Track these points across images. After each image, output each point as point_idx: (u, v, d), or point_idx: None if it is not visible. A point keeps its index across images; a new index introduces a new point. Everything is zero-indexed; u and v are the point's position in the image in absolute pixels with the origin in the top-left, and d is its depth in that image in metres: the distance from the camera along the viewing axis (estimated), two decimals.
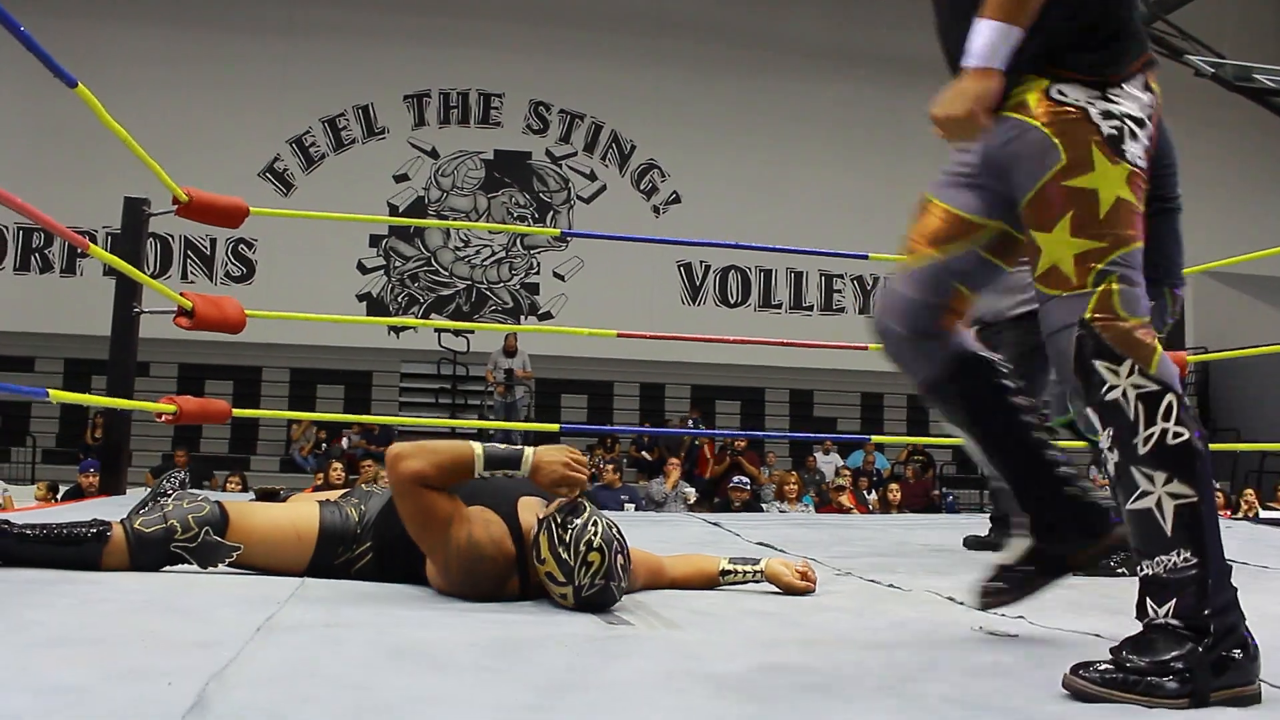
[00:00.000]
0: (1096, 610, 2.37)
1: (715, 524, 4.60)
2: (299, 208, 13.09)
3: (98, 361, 9.91)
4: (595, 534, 2.25)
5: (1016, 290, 3.68)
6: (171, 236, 13.98)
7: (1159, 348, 1.71)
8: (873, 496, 11.54)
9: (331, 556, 2.54)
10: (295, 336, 13.23)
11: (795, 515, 8.54)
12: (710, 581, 2.67)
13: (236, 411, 5.00)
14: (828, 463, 13.05)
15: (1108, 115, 1.75)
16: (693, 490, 10.35)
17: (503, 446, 2.39)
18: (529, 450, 2.37)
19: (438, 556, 2.34)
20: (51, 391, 2.95)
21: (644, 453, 13.29)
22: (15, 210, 3.12)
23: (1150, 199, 1.90)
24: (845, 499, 10.23)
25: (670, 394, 15.04)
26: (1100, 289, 1.71)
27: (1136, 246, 1.74)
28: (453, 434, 11.33)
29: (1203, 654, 1.58)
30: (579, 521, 2.27)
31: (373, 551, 2.54)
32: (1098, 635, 2.04)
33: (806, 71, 15.21)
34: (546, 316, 14.87)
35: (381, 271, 14.67)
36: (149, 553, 2.43)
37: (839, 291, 15.56)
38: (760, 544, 3.85)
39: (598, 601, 2.24)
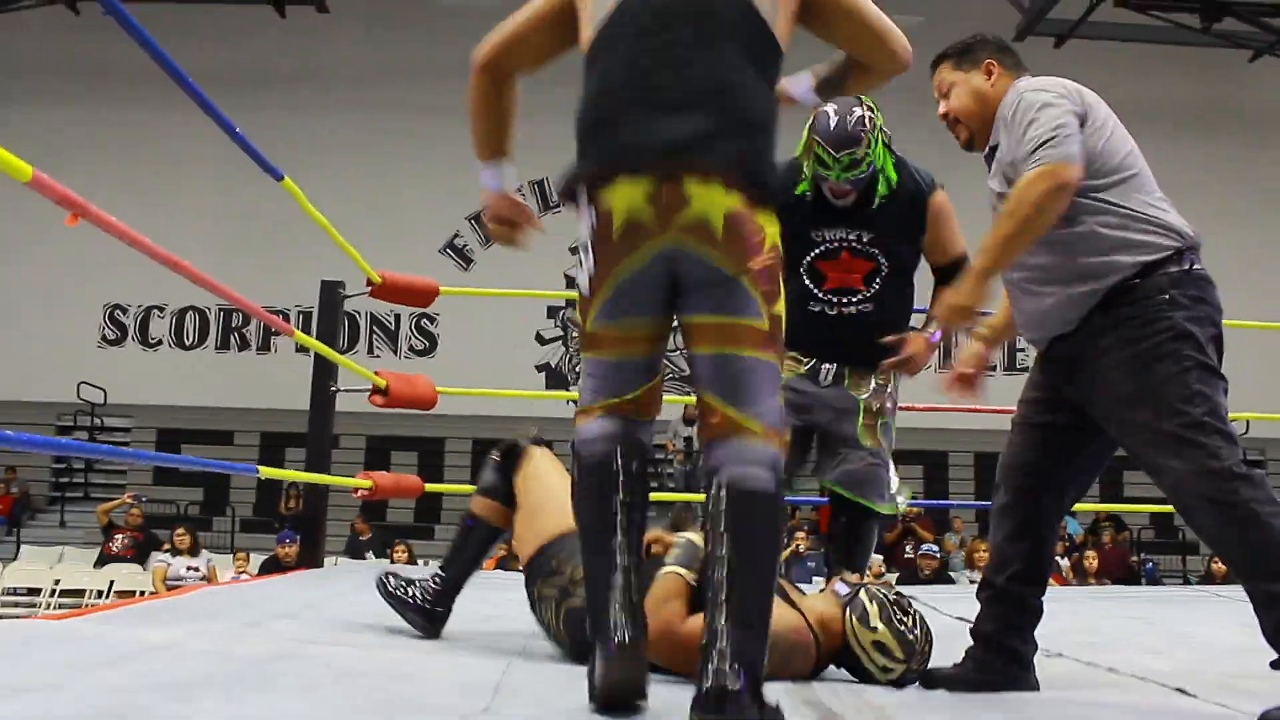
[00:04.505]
0: None
1: (911, 598, 4.42)
2: (478, 282, 13.43)
3: (292, 434, 10.33)
4: (925, 623, 2.39)
5: None
6: (359, 313, 14.50)
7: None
8: (1065, 564, 11.05)
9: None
10: (477, 408, 13.50)
11: None
12: None
13: (427, 486, 5.09)
14: None
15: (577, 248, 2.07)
16: (879, 558, 10.07)
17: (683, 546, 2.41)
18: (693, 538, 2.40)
19: None
20: (261, 468, 3.05)
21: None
22: (218, 295, 3.27)
23: None
24: None
25: None
26: None
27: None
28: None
29: None
30: (914, 606, 2.42)
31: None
32: None
33: None
34: None
35: (559, 342, 14.90)
36: None
37: (1022, 350, 15.09)
38: (961, 619, 3.69)
39: (914, 679, 2.37)
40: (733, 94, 1.98)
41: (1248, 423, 13.11)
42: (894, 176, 3.19)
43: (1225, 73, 14.80)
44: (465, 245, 14.92)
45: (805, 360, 3.22)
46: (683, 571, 2.31)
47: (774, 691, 2.21)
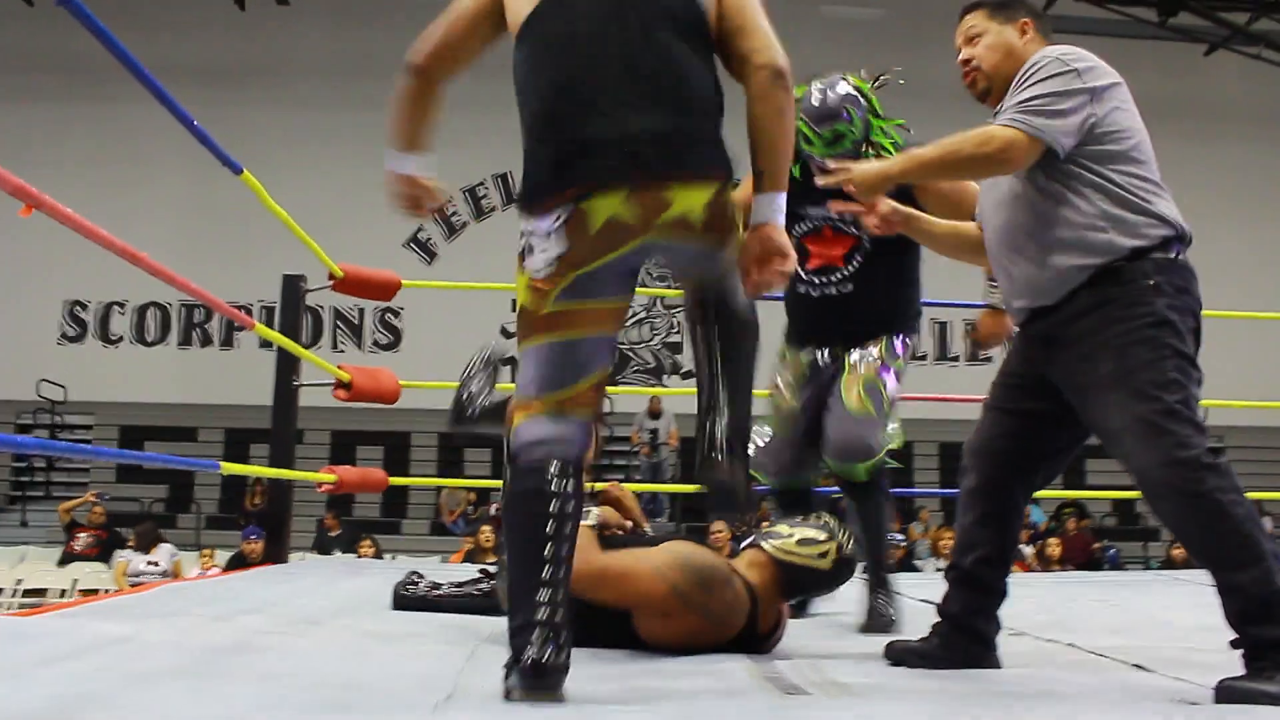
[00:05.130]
0: None
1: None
2: (442, 276, 13.38)
3: (256, 430, 10.29)
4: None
5: None
6: (322, 308, 14.41)
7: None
8: (1029, 551, 11.14)
9: None
10: (443, 402, 13.32)
11: None
12: None
13: (392, 480, 5.09)
14: None
15: (524, 233, 2.04)
16: None
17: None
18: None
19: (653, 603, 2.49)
20: (222, 464, 3.04)
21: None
22: (179, 289, 3.24)
23: None
24: None
25: None
26: None
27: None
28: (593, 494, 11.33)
29: None
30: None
31: None
32: None
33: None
34: (690, 375, 14.85)
35: None
36: None
37: None
38: (925, 601, 3.73)
39: (854, 559, 2.68)
40: (688, 85, 2.02)
41: (1207, 410, 13.33)
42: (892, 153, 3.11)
43: (1182, 66, 14.94)
44: (429, 239, 14.86)
45: (805, 358, 3.20)
46: (591, 521, 2.69)
47: (734, 668, 2.23)
